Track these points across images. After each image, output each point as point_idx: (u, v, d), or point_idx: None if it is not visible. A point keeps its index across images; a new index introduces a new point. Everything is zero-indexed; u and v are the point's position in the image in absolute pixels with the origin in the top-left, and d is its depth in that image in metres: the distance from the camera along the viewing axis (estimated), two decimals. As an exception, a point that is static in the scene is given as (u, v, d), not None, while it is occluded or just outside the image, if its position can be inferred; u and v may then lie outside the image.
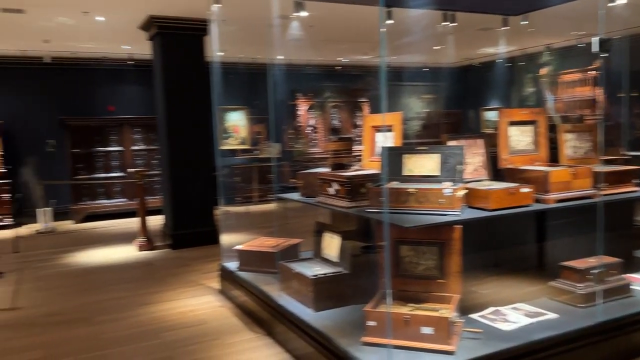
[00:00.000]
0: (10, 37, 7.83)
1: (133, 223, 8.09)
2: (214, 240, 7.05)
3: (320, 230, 4.14)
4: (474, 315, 3.28)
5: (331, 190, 3.79)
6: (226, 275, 4.91)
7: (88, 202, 9.54)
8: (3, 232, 8.14)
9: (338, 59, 11.03)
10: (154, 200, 8.84)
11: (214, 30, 5.10)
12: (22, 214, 9.08)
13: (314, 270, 3.77)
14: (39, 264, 6.40)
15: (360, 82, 11.75)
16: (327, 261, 3.95)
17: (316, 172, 4.13)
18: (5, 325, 4.34)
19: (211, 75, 5.42)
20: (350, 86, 11.73)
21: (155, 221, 7.63)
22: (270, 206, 10.09)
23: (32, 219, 8.83)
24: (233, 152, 10.79)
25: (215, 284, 5.17)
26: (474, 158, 3.78)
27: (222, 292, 4.96)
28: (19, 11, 6.17)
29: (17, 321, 4.44)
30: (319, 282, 3.57)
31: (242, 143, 11.14)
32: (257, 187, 10.43)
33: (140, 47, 8.38)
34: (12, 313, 4.66)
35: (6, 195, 8.79)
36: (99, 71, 10.05)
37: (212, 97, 5.63)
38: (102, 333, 4.11)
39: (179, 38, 6.86)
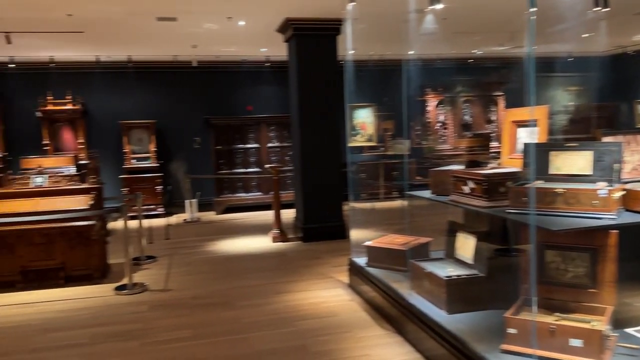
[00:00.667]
0: (164, 44, 8.69)
1: (268, 216, 8.56)
2: (342, 234, 7.19)
3: (453, 230, 4.01)
4: (630, 330, 2.95)
5: (466, 189, 3.65)
6: (355, 270, 4.98)
7: (228, 195, 10.28)
8: (156, 221, 9.07)
9: (473, 51, 10.58)
10: (286, 195, 9.25)
11: (348, 29, 5.17)
12: (172, 204, 10.05)
13: (447, 270, 3.66)
14: (186, 251, 7.04)
15: (495, 75, 11.15)
16: (460, 262, 3.82)
17: (449, 170, 4.00)
18: (159, 305, 4.85)
19: (344, 74, 5.51)
20: (484, 79, 11.19)
21: (288, 214, 7.99)
22: (396, 203, 10.02)
23: (180, 209, 9.75)
24: (360, 149, 10.89)
25: (344, 277, 5.27)
26: (632, 156, 3.39)
27: (351, 286, 5.04)
28: (172, 19, 6.83)
29: (168, 302, 4.94)
30: (452, 284, 3.46)
31: (369, 140, 11.19)
32: (383, 184, 10.42)
33: (276, 49, 8.80)
34: (165, 294, 5.18)
35: (159, 187, 9.79)
36: (239, 73, 10.76)
37: (345, 95, 5.73)
38: (242, 317, 4.41)
39: (313, 39, 7.08)
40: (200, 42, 8.53)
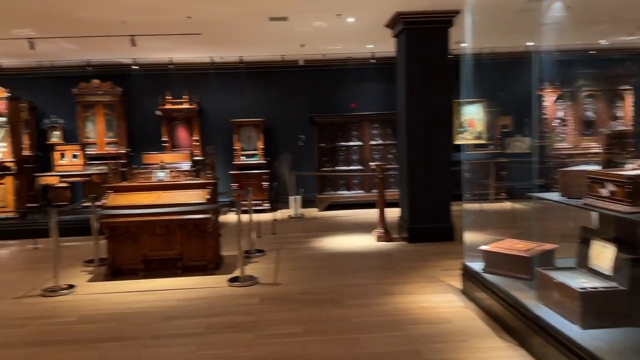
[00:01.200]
0: (273, 44, 8.90)
1: (370, 214, 8.46)
2: (450, 236, 6.91)
3: (586, 237, 3.64)
4: None
5: (604, 192, 3.28)
6: (469, 276, 4.71)
7: (331, 193, 10.32)
8: (263, 216, 9.34)
9: (599, 41, 9.70)
10: (390, 193, 9.08)
11: (467, 20, 4.91)
12: (278, 200, 10.30)
13: (580, 282, 3.32)
14: (292, 246, 7.14)
15: (622, 67, 10.14)
16: (595, 273, 3.45)
17: (583, 170, 3.63)
18: (269, 298, 4.93)
19: (457, 68, 5.25)
20: (609, 72, 10.21)
21: (391, 213, 7.84)
22: (505, 205, 9.47)
23: (285, 205, 9.96)
24: (467, 147, 10.44)
25: (456, 282, 5.02)
26: None
27: (465, 293, 4.78)
28: (283, 19, 6.95)
29: (278, 295, 5.01)
30: (588, 297, 3.12)
31: (478, 137, 10.67)
32: (494, 184, 9.89)
33: (383, 45, 8.67)
34: (275, 288, 5.27)
35: (266, 183, 10.07)
36: (343, 71, 10.77)
37: (461, 91, 5.46)
38: (351, 316, 4.35)
39: (423, 32, 6.85)
40: (308, 40, 8.62)
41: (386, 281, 5.32)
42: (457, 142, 10.40)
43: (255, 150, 10.33)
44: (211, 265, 5.91)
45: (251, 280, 5.45)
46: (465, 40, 4.95)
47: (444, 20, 6.70)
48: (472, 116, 10.49)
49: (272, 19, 6.96)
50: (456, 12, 6.62)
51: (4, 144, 8.64)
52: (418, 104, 6.97)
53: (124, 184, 6.04)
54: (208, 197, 5.81)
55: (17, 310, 4.83)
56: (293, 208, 9.60)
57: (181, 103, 10.31)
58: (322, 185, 10.31)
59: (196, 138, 10.45)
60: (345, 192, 10.37)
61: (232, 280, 5.48)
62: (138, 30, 7.48)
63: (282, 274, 5.75)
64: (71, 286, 5.47)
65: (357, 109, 10.79)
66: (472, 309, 4.40)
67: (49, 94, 10.30)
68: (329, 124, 10.35)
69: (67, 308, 4.84)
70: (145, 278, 5.74)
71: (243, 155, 10.29)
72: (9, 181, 8.61)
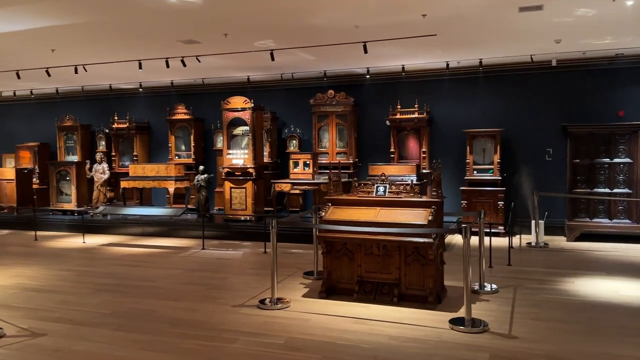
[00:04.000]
0: (521, 41, 7.63)
1: (644, 254, 6.52)
2: None
3: None
4: None
5: None
6: None
7: (585, 219, 8.46)
8: (496, 240, 8.10)
9: None
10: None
11: None
12: (515, 224, 8.89)
13: None
14: (533, 285, 5.83)
15: None
16: None
17: None
18: (503, 357, 3.87)
19: None
20: None
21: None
22: None
23: (524, 230, 8.51)
24: None
25: None
26: None
27: None
28: (537, 8, 5.73)
29: (514, 355, 3.90)
30: None
31: None
32: None
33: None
34: (509, 342, 4.17)
35: (501, 203, 8.78)
36: (609, 71, 8.80)
37: None
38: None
39: None
40: (566, 35, 7.13)
41: (678, 360, 3.73)
42: None
43: (490, 164, 9.11)
44: (431, 297, 5.09)
45: (479, 325, 4.44)
46: None
47: None
48: None
49: (523, 9, 5.81)
50: None
51: (247, 151, 9.29)
52: None
53: (343, 197, 5.65)
54: (431, 218, 5.01)
55: (232, 322, 4.77)
56: (534, 235, 8.11)
57: (411, 112, 9.74)
58: (573, 209, 8.53)
59: (424, 149, 9.75)
60: (605, 221, 8.37)
61: (454, 321, 4.56)
62: (371, 36, 7.14)
63: (519, 323, 4.58)
64: (285, 301, 5.28)
65: (626, 118, 8.66)
66: None
67: (290, 105, 10.85)
68: (587, 135, 8.50)
69: (278, 327, 4.59)
70: (359, 301, 5.22)
71: (476, 169, 9.17)
72: (249, 186, 9.23)
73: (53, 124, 12.25)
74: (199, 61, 8.36)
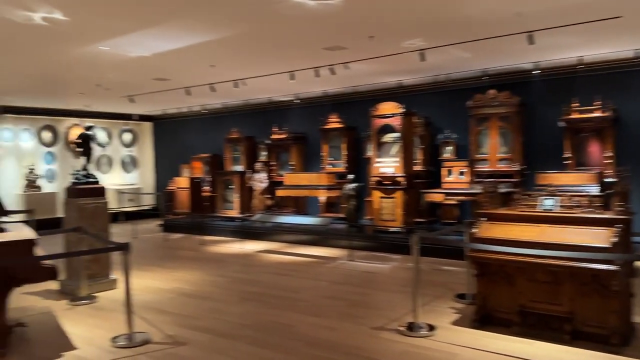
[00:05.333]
0: None
1: None
2: None
3: None
4: None
5: None
6: None
7: None
8: None
9: None
10: None
11: None
12: None
13: None
14: None
15: None
16: None
17: None
18: None
19: None
20: None
21: None
22: None
23: None
24: None
25: None
26: None
27: None
28: None
29: None
30: None
31: None
32: None
33: None
34: None
35: None
36: None
37: None
38: None
39: None
40: None
41: None
42: None
43: (700, 171, 7.32)
44: (615, 338, 4.06)
45: (687, 386, 3.37)
46: None
47: None
48: None
49: None
50: None
51: (397, 159, 8.81)
52: None
53: (500, 210, 4.86)
54: (615, 239, 4.01)
55: (369, 347, 4.34)
56: None
57: (591, 111, 8.30)
58: None
59: (608, 154, 8.22)
60: None
61: (650, 376, 3.54)
62: (536, 24, 6.19)
63: None
64: (431, 327, 4.69)
65: None
66: None
67: (444, 108, 10.12)
68: None
69: (419, 359, 4.05)
70: (520, 335, 4.40)
71: (679, 178, 7.45)
72: (399, 195, 8.74)
73: (222, 137, 13.19)
74: (347, 68, 8.15)
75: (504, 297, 4.68)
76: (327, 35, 6.66)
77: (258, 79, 9.26)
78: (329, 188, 10.05)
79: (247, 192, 11.68)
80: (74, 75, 8.85)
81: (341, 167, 10.97)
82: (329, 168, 11.03)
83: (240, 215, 11.43)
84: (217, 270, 7.57)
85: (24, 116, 13.15)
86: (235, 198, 11.68)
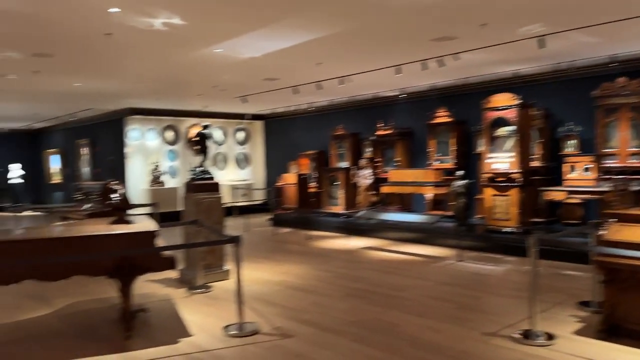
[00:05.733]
0: None
1: None
2: None
3: None
4: None
5: None
6: None
7: None
8: None
9: None
10: None
11: None
12: None
13: None
14: None
15: None
16: None
17: None
18: None
19: None
20: None
21: None
22: None
23: None
24: None
25: None
26: None
27: None
28: None
29: None
30: None
31: None
32: None
33: None
34: None
35: None
36: None
37: None
38: None
39: None
40: None
41: None
42: None
43: None
44: None
45: None
46: None
47: None
48: None
49: None
50: None
51: (512, 154, 8.27)
52: None
53: (633, 211, 4.34)
54: None
55: (479, 353, 4.10)
56: None
57: None
58: None
59: None
60: None
61: None
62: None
63: None
64: (550, 336, 4.32)
65: None
66: None
67: (566, 99, 9.31)
68: None
69: (535, 368, 3.75)
70: (657, 352, 3.91)
71: None
72: (514, 193, 8.20)
73: (327, 134, 13.34)
74: (457, 59, 7.80)
75: (636, 307, 4.17)
76: (436, 26, 6.41)
77: (363, 75, 9.20)
78: (436, 185, 9.73)
79: (352, 189, 11.70)
80: (193, 77, 9.43)
81: (449, 163, 10.56)
82: (436, 164, 10.67)
83: (345, 212, 11.47)
84: (322, 265, 7.65)
85: (150, 117, 14.32)
86: (340, 194, 11.75)
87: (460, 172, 9.29)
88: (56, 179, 18.41)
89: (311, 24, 6.16)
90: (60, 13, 5.44)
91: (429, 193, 9.72)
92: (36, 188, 19.08)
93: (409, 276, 6.83)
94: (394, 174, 10.68)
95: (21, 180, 18.06)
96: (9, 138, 18.67)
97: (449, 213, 9.51)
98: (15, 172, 18.01)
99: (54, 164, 18.49)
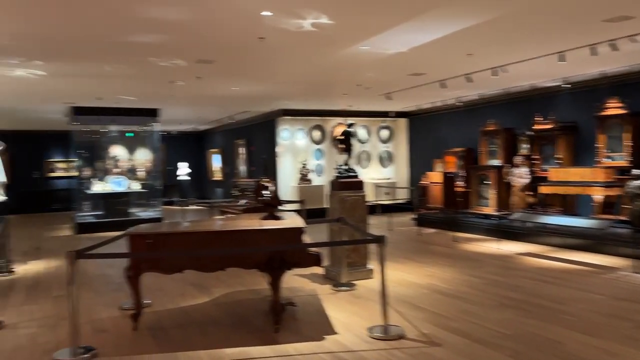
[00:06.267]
0: None
1: None
2: None
3: None
4: None
5: None
6: None
7: None
8: None
9: None
10: None
11: None
12: None
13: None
14: None
15: None
16: None
17: None
18: None
19: None
20: None
21: None
22: None
23: None
24: None
25: None
26: None
27: None
28: None
29: None
30: None
31: None
32: None
33: None
34: None
35: None
36: None
37: None
38: None
39: None
40: None
41: None
42: None
43: None
44: None
45: None
46: None
47: None
48: None
49: None
50: None
51: None
52: None
53: None
54: None
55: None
56: None
57: None
58: None
59: None
60: None
61: None
62: None
63: None
64: None
65: None
66: None
67: None
68: None
69: None
70: None
71: None
72: None
73: (477, 130, 12.61)
74: (635, 42, 6.76)
75: None
76: (608, 4, 5.61)
77: (520, 64, 8.45)
78: (607, 185, 8.60)
79: (504, 188, 10.89)
80: (338, 77, 9.54)
81: (623, 160, 9.26)
82: (607, 162, 9.43)
83: (496, 213, 10.72)
84: (471, 270, 7.19)
85: (298, 117, 14.90)
86: (491, 194, 11.01)
87: (636, 171, 8.08)
88: (217, 176, 20.15)
89: (463, 12, 5.78)
90: (218, 21, 5.81)
91: (598, 194, 8.63)
92: (200, 184, 21.13)
93: (573, 288, 6.09)
94: (556, 173, 9.69)
95: (188, 178, 20.15)
96: (178, 139, 20.84)
97: (623, 217, 8.33)
98: (183, 170, 20.16)
99: (216, 162, 20.25)
